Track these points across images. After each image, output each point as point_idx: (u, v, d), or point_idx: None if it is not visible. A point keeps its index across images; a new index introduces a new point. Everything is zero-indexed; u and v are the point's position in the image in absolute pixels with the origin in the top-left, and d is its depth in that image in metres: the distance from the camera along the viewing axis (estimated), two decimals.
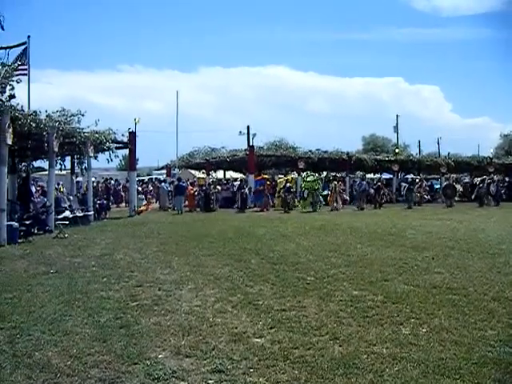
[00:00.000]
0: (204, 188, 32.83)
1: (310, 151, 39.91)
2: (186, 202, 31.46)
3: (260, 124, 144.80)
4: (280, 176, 40.16)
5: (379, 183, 35.47)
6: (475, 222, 21.16)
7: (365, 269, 10.76)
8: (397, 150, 50.20)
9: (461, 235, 16.47)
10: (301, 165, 37.25)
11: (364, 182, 34.40)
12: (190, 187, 32.97)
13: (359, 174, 44.32)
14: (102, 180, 40.13)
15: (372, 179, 41.53)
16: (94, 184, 34.38)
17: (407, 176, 45.20)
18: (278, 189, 33.50)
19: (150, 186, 41.65)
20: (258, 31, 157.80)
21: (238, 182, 34.65)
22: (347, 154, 40.36)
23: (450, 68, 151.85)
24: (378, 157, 43.33)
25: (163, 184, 35.36)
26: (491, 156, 48.26)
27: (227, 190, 35.95)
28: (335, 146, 41.23)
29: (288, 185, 31.63)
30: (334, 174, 35.77)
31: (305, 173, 34.60)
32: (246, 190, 32.14)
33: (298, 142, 41.71)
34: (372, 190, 33.40)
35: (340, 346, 6.07)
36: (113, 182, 39.74)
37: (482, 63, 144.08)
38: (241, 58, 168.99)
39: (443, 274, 10.07)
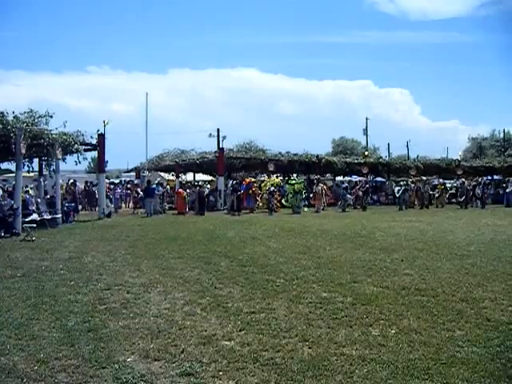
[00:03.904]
0: (198, 189, 32.16)
1: (280, 154, 39.85)
2: (159, 205, 31.04)
3: (229, 126, 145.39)
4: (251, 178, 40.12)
5: (367, 185, 36.18)
6: (444, 224, 21.47)
7: (334, 271, 10.81)
8: (366, 153, 50.52)
9: (429, 237, 16.68)
10: (271, 167, 37.37)
11: (343, 186, 35.03)
12: (181, 190, 32.48)
13: (329, 176, 44.60)
14: (83, 183, 38.97)
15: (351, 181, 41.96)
16: (72, 187, 33.86)
17: (376, 178, 45.68)
18: (262, 191, 33.65)
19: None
20: (227, 33, 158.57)
21: (208, 186, 34.30)
22: (317, 156, 40.48)
23: (419, 71, 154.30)
24: (348, 159, 43.56)
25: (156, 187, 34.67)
26: (459, 159, 49.09)
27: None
28: (305, 149, 41.40)
29: (272, 188, 31.77)
30: (317, 177, 36.02)
31: (274, 175, 34.79)
32: (240, 192, 31.68)
33: (267, 145, 41.67)
34: (360, 193, 34.50)
35: (309, 347, 6.08)
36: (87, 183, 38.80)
37: (451, 67, 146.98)
38: (210, 60, 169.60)
39: (412, 276, 10.17)
